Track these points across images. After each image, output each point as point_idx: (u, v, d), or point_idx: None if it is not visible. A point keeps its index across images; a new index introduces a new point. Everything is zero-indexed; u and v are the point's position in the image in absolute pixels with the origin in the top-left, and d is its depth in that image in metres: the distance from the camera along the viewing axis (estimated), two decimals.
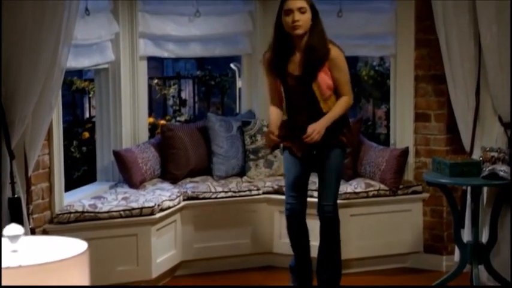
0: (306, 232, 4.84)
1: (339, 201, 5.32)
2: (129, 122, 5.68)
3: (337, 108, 4.64)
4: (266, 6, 6.01)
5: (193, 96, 8.91)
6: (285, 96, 4.77)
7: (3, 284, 1.96)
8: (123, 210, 5.05)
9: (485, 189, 5.02)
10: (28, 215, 4.31)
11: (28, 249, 2.12)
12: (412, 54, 5.64)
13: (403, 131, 5.75)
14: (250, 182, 5.76)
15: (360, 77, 8.14)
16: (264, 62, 4.82)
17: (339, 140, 4.71)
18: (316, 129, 4.56)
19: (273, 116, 4.81)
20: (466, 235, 5.09)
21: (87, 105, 8.04)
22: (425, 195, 5.64)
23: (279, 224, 5.51)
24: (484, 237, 5.02)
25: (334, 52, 4.58)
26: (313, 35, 4.56)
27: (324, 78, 4.58)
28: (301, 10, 4.50)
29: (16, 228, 2.10)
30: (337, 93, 4.67)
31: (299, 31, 4.53)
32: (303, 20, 4.51)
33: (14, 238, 2.09)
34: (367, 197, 5.52)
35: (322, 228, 4.81)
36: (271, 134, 4.69)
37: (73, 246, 2.13)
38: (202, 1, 5.86)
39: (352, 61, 9.76)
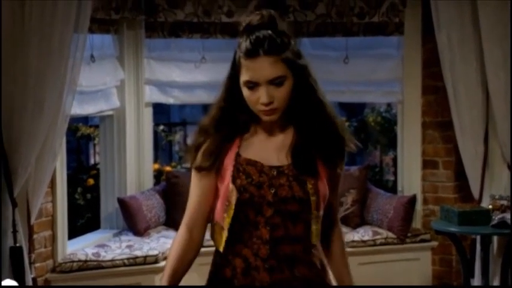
0: None
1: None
2: (133, 168, 5.64)
3: (347, 263, 2.80)
4: None
5: None
6: (233, 208, 2.43)
7: None
8: (127, 259, 4.99)
9: (495, 238, 4.95)
10: (30, 264, 4.25)
11: None
12: (419, 101, 5.61)
13: (410, 178, 5.69)
14: None
15: (367, 123, 8.10)
16: (198, 153, 2.45)
17: None
18: None
19: (174, 257, 2.56)
20: (476, 285, 5.00)
21: (92, 152, 8.02)
22: (434, 243, 5.55)
23: None
24: None
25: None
26: (305, 97, 2.41)
27: (323, 180, 2.43)
28: (276, 81, 2.32)
29: (10, 283, 2.05)
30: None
31: (274, 117, 2.38)
32: (280, 97, 2.34)
33: None
34: (375, 245, 5.44)
35: None
36: None
37: None
38: (207, 47, 5.86)
39: (359, 107, 9.75)
